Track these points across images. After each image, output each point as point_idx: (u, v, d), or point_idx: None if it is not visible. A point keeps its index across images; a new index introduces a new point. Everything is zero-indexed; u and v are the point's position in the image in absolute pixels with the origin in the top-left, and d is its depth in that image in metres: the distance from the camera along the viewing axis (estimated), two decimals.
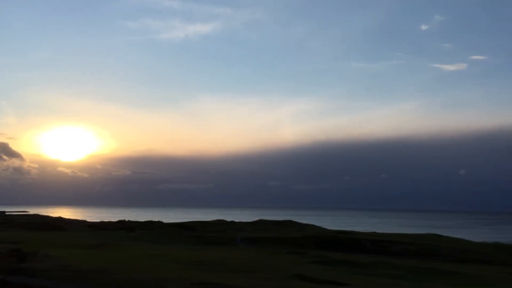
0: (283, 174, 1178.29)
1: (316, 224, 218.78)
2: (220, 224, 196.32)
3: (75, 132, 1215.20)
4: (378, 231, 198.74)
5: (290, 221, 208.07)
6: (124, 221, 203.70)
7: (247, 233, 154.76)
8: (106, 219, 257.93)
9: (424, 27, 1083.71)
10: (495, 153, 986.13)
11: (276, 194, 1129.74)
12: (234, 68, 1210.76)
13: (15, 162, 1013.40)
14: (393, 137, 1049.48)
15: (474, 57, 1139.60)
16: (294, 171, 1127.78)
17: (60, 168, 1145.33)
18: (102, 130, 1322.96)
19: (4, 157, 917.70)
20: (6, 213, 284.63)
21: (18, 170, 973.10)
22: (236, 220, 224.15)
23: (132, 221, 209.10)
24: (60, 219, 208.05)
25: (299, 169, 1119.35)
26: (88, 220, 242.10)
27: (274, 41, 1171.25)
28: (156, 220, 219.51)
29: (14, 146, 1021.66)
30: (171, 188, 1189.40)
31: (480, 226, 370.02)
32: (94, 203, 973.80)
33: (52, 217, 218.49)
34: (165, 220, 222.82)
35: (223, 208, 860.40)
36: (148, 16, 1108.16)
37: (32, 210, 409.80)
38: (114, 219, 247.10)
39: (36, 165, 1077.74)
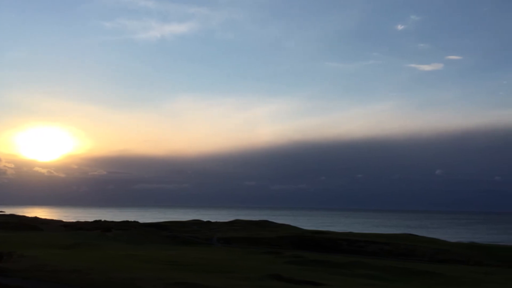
0: (259, 174, 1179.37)
1: (292, 224, 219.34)
2: (196, 224, 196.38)
3: (51, 132, 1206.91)
4: (354, 231, 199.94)
5: (266, 221, 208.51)
6: (100, 221, 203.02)
7: (223, 233, 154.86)
8: (82, 219, 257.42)
9: (400, 27, 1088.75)
10: (471, 153, 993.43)
11: (252, 194, 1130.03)
12: (210, 68, 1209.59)
13: None
14: (370, 137, 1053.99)
15: (450, 57, 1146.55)
16: (270, 171, 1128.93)
17: (36, 168, 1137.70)
18: (78, 130, 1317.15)
19: None
20: None
21: None
22: (212, 220, 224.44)
23: (108, 221, 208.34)
24: (36, 219, 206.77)
25: (275, 169, 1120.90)
26: (64, 220, 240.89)
27: (250, 41, 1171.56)
28: (132, 220, 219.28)
29: None
30: (147, 188, 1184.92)
31: (456, 226, 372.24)
32: (70, 203, 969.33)
33: (28, 217, 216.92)
34: (141, 220, 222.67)
35: (199, 208, 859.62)
36: (124, 16, 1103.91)
37: (8, 210, 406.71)
38: (90, 219, 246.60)
39: (12, 165, 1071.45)
